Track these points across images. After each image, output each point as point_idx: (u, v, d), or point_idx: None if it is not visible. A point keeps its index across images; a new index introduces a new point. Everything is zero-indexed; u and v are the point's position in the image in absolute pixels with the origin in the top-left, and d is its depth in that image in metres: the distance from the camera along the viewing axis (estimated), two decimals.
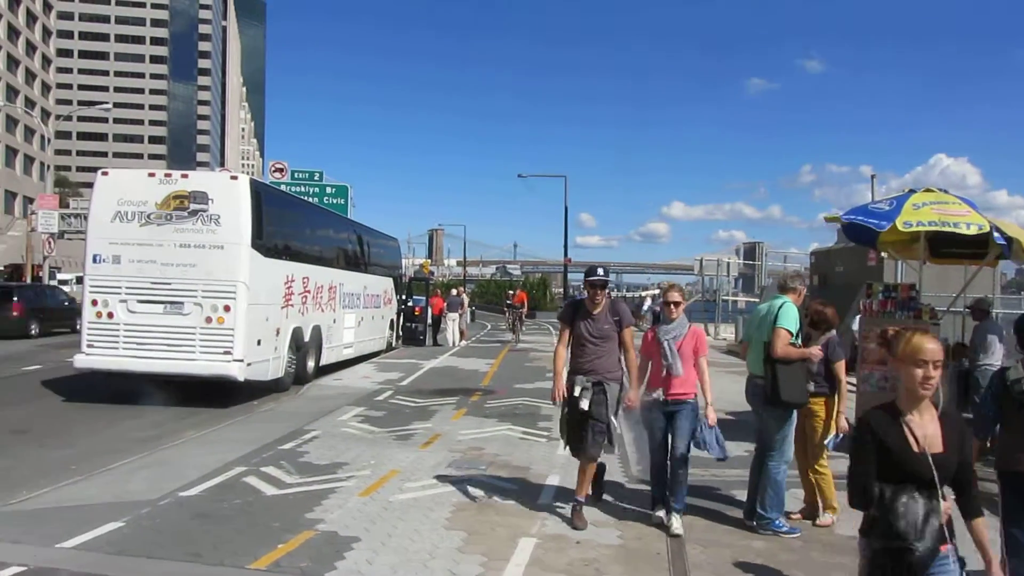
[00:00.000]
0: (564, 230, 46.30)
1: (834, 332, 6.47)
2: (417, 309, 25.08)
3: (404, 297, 24.72)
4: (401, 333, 24.37)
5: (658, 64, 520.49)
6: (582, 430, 6.17)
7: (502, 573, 5.12)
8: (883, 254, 14.36)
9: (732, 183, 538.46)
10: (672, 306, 6.27)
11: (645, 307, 42.37)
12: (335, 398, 12.80)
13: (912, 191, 9.14)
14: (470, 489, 7.15)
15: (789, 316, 6.07)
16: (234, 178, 12.69)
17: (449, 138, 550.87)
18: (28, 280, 42.00)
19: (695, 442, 6.08)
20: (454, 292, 28.85)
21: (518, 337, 26.58)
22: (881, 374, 8.87)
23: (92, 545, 5.48)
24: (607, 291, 6.39)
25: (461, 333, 26.72)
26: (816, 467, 6.33)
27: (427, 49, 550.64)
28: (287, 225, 14.63)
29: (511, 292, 33.45)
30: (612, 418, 6.19)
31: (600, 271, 6.26)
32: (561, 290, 58.81)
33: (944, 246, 10.00)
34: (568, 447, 6.50)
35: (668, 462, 6.17)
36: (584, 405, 6.07)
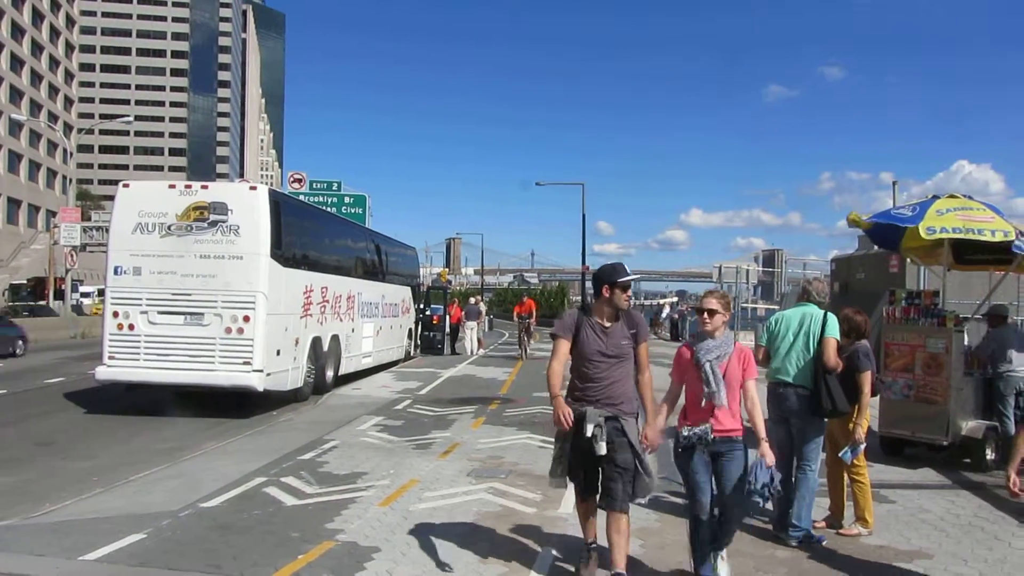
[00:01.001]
0: (582, 238, 46.73)
1: (864, 341, 6.37)
2: (435, 318, 25.11)
3: (422, 306, 24.76)
4: (419, 342, 24.40)
5: (675, 71, 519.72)
6: (596, 473, 4.93)
7: None
8: (907, 259, 14.21)
9: (751, 190, 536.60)
10: (708, 315, 5.05)
11: (663, 315, 42.26)
12: (354, 408, 12.82)
13: (935, 197, 9.03)
14: (490, 498, 7.12)
15: (837, 325, 6.02)
16: (253, 188, 12.78)
17: (467, 147, 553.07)
18: (51, 293, 42.49)
19: (749, 490, 4.90)
20: (472, 300, 28.85)
21: (525, 352, 23.48)
22: (904, 381, 8.76)
23: (114, 557, 5.50)
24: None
25: (479, 342, 26.73)
26: (855, 476, 6.24)
27: (444, 59, 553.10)
28: (306, 235, 14.70)
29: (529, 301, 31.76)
30: (643, 460, 4.84)
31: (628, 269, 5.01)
32: (579, 298, 58.65)
33: (968, 252, 9.87)
34: (575, 489, 5.20)
35: (716, 515, 5.01)
36: (601, 450, 4.70)
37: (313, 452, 9.12)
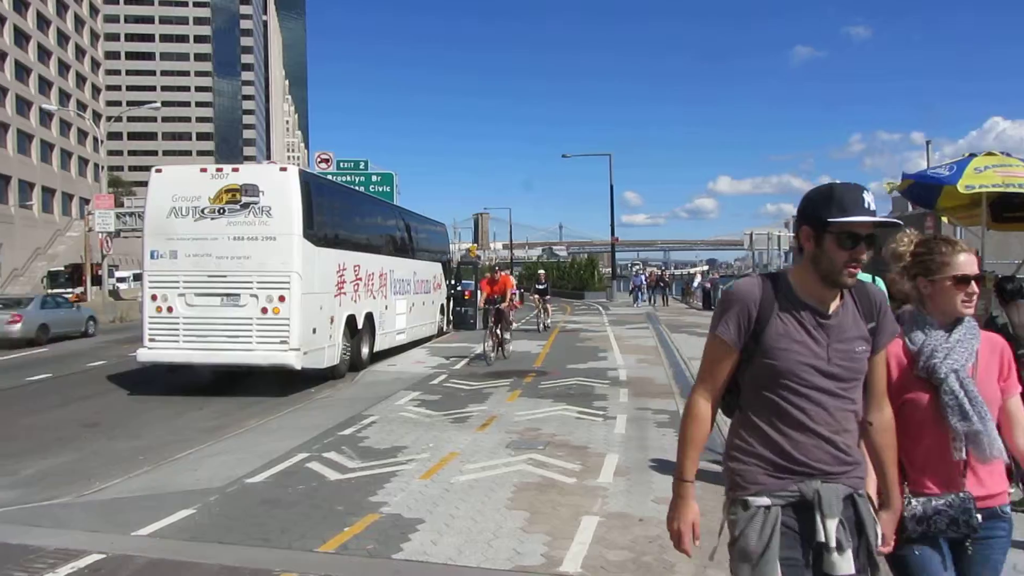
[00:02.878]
0: (610, 209, 46.42)
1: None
2: (467, 293, 25.18)
3: (453, 281, 24.84)
4: (452, 318, 24.51)
5: (699, 37, 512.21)
6: None
7: (566, 551, 5.13)
8: (944, 219, 13.99)
9: (780, 155, 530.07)
10: (972, 286, 2.82)
11: (696, 283, 42.03)
12: (390, 383, 12.94)
13: (972, 155, 8.85)
14: (529, 469, 7.18)
15: (886, 289, 5.92)
16: (283, 170, 12.88)
17: (493, 122, 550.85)
18: (88, 279, 43.20)
19: None
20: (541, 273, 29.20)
21: (499, 349, 16.19)
22: None
23: (165, 532, 5.64)
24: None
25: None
26: None
27: (468, 34, 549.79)
28: (336, 214, 14.79)
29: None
30: None
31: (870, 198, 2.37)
32: (609, 269, 58.42)
33: (1007, 210, 9.67)
34: None
35: None
36: (847, 568, 2.34)
37: (353, 428, 9.24)
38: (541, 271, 28.81)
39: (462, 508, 6.06)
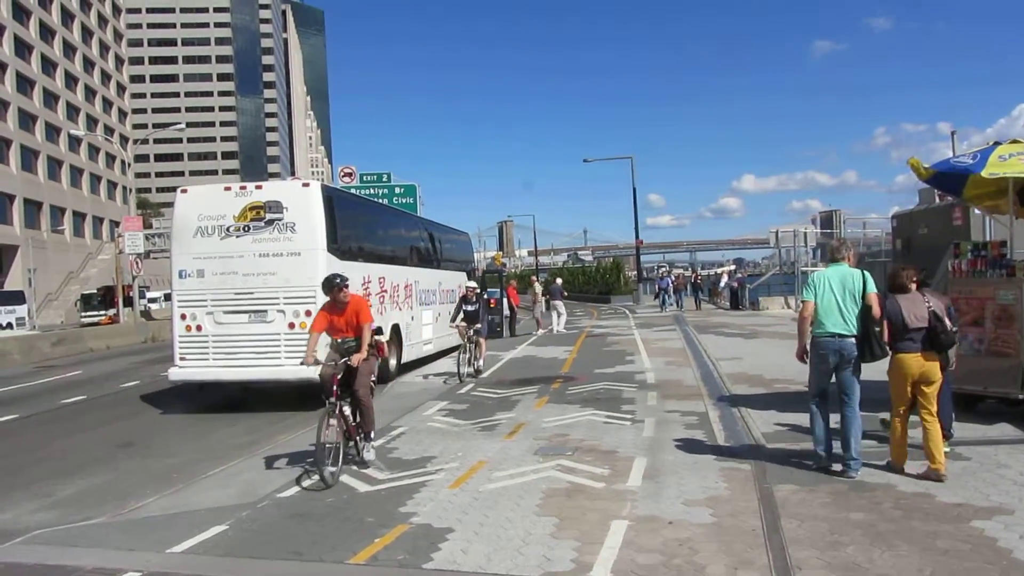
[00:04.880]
0: (634, 211, 46.59)
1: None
2: (492, 301, 25.24)
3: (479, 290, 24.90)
4: None
5: (716, 34, 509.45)
6: None
7: (596, 556, 5.12)
8: (972, 210, 13.80)
9: (803, 151, 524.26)
10: None
11: (723, 283, 41.76)
12: (418, 394, 13.00)
13: (997, 143, 8.74)
14: (558, 475, 7.18)
15: (873, 282, 6.79)
16: (306, 185, 13.00)
17: (514, 128, 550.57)
18: (120, 300, 43.84)
19: None
20: (559, 281, 29.46)
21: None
22: (975, 335, 8.54)
23: (200, 549, 5.71)
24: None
25: (536, 322, 26.80)
26: (930, 417, 6.59)
27: (486, 36, 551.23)
28: (360, 227, 14.91)
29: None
30: None
31: None
32: (635, 273, 58.20)
33: None
34: None
35: None
36: None
37: (382, 439, 9.28)
38: (471, 283, 16.60)
39: (491, 516, 6.08)
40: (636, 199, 47.02)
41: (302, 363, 7.83)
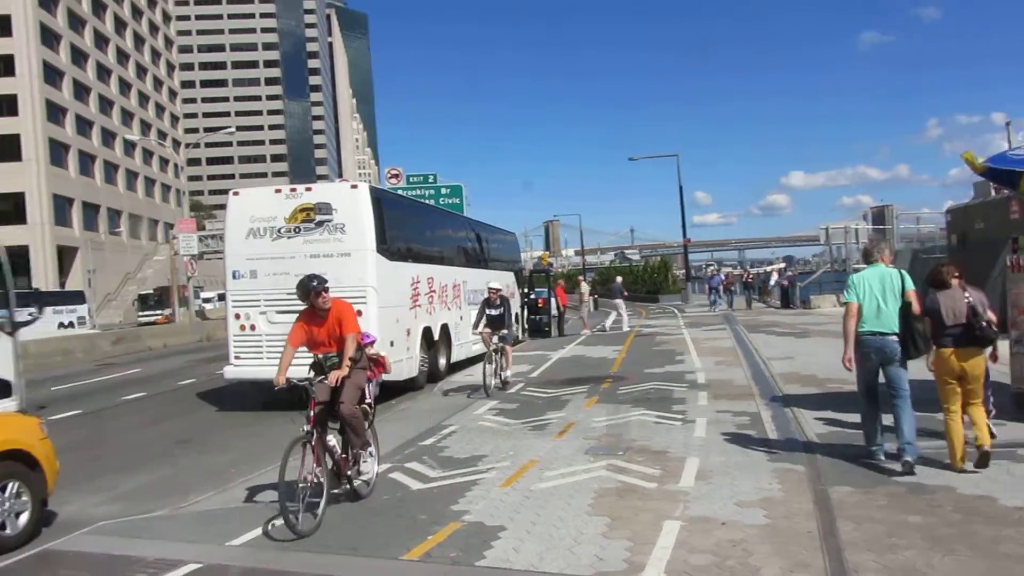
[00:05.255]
0: (681, 210, 45.71)
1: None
2: (540, 301, 25.27)
3: (526, 290, 24.96)
4: (527, 326, 24.62)
5: (761, 31, 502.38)
6: None
7: (649, 556, 5.12)
8: None
9: (853, 145, 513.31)
10: None
11: (772, 281, 41.19)
12: (468, 393, 13.07)
13: None
14: (609, 475, 7.17)
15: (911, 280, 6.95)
16: (354, 187, 13.16)
17: (558, 128, 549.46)
18: (176, 301, 44.88)
19: None
20: (619, 279, 29.47)
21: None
22: None
23: (258, 543, 5.84)
24: None
25: (583, 322, 26.75)
26: (972, 401, 6.71)
27: (531, 39, 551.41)
28: (408, 228, 15.04)
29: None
30: None
31: None
32: (683, 271, 57.68)
33: None
34: None
35: None
36: None
37: (433, 438, 9.39)
38: (493, 284, 14.07)
39: (543, 515, 6.10)
40: (683, 197, 46.41)
41: (274, 384, 6.46)
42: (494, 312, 13.39)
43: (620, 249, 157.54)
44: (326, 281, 6.67)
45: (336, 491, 6.70)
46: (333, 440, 6.57)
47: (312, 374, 6.65)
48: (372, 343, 7.24)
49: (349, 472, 6.68)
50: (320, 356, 6.71)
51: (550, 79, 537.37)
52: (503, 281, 21.89)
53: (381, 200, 13.46)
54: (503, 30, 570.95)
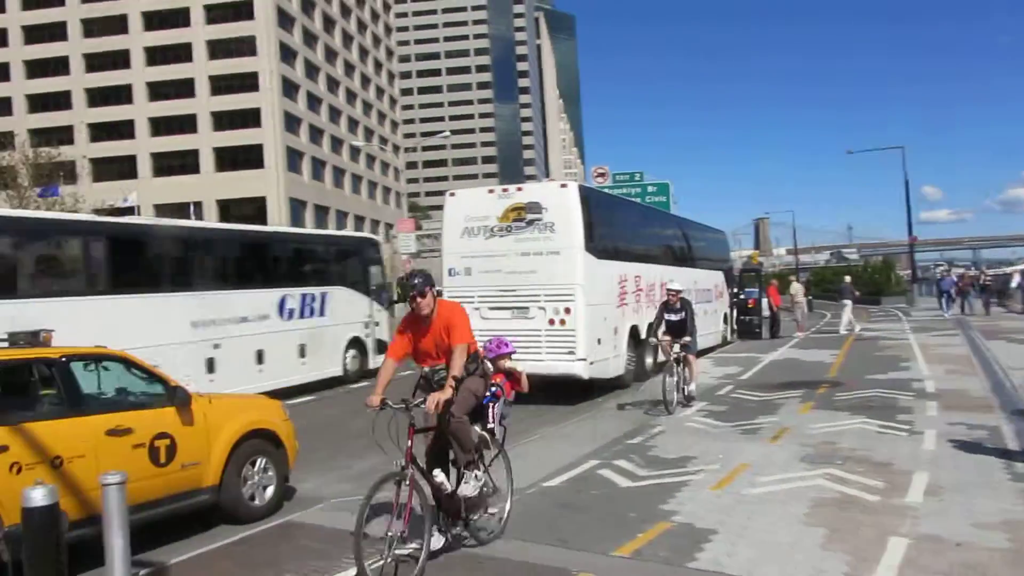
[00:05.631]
0: (906, 205, 42.53)
1: None
2: (750, 301, 24.47)
3: (736, 290, 24.25)
4: (736, 327, 23.93)
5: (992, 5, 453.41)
6: None
7: (872, 574, 4.87)
8: None
9: None
10: None
11: (1014, 284, 37.27)
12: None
13: None
14: (827, 484, 6.86)
15: None
16: (564, 186, 13.41)
17: (771, 129, 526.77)
18: (395, 297, 47.75)
19: None
20: (848, 279, 28.49)
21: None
22: None
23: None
24: None
25: (797, 324, 25.55)
26: None
27: (740, 41, 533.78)
28: (615, 226, 15.11)
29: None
30: None
31: None
32: (909, 272, 53.50)
33: None
34: None
35: None
36: None
37: (641, 437, 9.39)
38: (674, 285, 12.19)
39: (756, 521, 5.96)
40: (909, 192, 42.99)
41: (365, 405, 5.34)
42: (674, 317, 11.65)
43: (837, 248, 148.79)
44: (429, 281, 5.54)
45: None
46: (441, 477, 5.46)
47: (417, 393, 5.55)
48: (510, 354, 6.07)
49: (471, 516, 5.60)
50: (427, 370, 5.61)
51: (758, 82, 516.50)
52: (712, 280, 21.47)
53: (589, 199, 13.61)
54: (714, 35, 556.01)
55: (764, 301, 24.97)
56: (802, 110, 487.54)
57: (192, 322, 13.08)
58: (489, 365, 5.82)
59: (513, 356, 6.12)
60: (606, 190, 30.96)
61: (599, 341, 13.06)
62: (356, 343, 17.29)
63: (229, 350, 13.63)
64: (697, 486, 7.03)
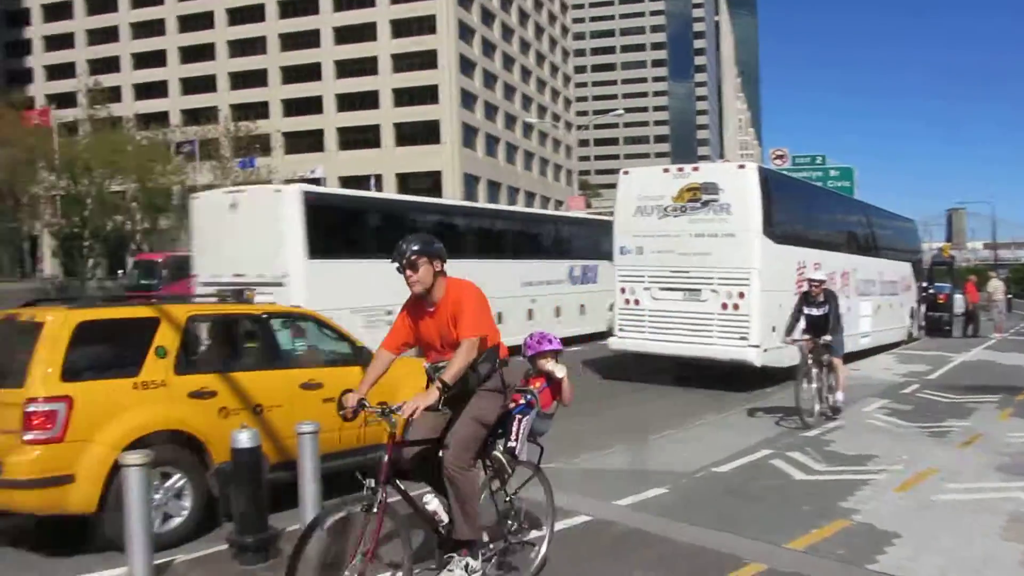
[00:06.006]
0: None
1: None
2: (941, 297, 22.79)
3: (925, 284, 22.64)
4: (923, 323, 22.37)
5: None
6: None
7: None
8: None
9: None
10: None
11: None
12: (856, 389, 12.22)
13: None
14: None
15: None
16: (742, 167, 12.99)
17: (968, 117, 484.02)
18: None
19: None
20: None
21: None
22: None
23: (641, 506, 6.14)
24: None
25: (994, 325, 23.53)
26: None
27: (933, 30, 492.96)
28: (795, 210, 14.47)
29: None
30: None
31: None
32: None
33: None
34: None
35: None
36: None
37: (817, 430, 9.01)
38: (817, 276, 10.36)
39: (944, 529, 5.60)
40: None
41: (339, 406, 4.06)
42: (816, 312, 9.68)
43: None
44: (428, 249, 4.11)
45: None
46: (434, 504, 4.16)
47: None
48: (556, 353, 4.95)
49: (464, 558, 4.10)
50: (428, 366, 4.31)
51: (952, 74, 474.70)
52: (899, 272, 20.13)
53: (768, 181, 13.10)
54: (900, 19, 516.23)
55: (958, 297, 23.17)
56: (996, 103, 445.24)
57: (522, 282, 17.52)
58: (512, 371, 4.45)
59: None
60: (784, 172, 29.72)
61: (773, 329, 12.56)
62: None
63: (541, 304, 18.21)
64: (879, 486, 6.68)
